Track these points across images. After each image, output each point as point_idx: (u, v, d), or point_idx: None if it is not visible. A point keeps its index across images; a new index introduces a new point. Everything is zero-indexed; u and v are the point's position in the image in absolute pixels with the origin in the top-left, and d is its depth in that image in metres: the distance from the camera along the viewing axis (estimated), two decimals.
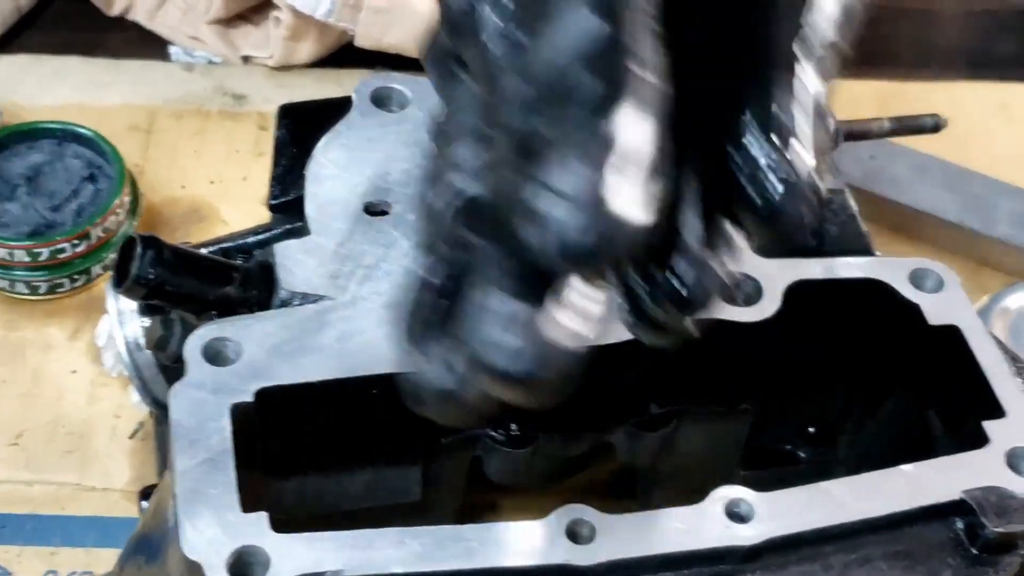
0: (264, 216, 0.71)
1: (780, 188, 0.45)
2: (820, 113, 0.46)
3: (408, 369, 0.46)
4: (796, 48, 0.46)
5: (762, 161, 0.45)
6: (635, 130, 0.41)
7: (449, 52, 0.48)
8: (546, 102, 0.42)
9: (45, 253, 0.86)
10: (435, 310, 0.46)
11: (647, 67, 0.41)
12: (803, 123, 0.45)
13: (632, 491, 0.77)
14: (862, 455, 0.71)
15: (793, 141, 0.45)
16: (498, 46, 0.44)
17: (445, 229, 0.46)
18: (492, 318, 0.43)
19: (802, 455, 0.74)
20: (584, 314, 0.44)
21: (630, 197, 0.41)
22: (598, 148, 0.41)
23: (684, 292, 0.47)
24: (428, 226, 0.48)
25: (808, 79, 0.46)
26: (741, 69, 0.47)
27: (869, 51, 1.05)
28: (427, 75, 0.51)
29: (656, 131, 0.42)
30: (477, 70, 0.46)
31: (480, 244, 0.45)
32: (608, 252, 0.41)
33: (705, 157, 0.47)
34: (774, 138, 0.45)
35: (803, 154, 0.45)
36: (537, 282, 0.43)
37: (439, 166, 0.48)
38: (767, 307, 0.64)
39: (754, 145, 0.45)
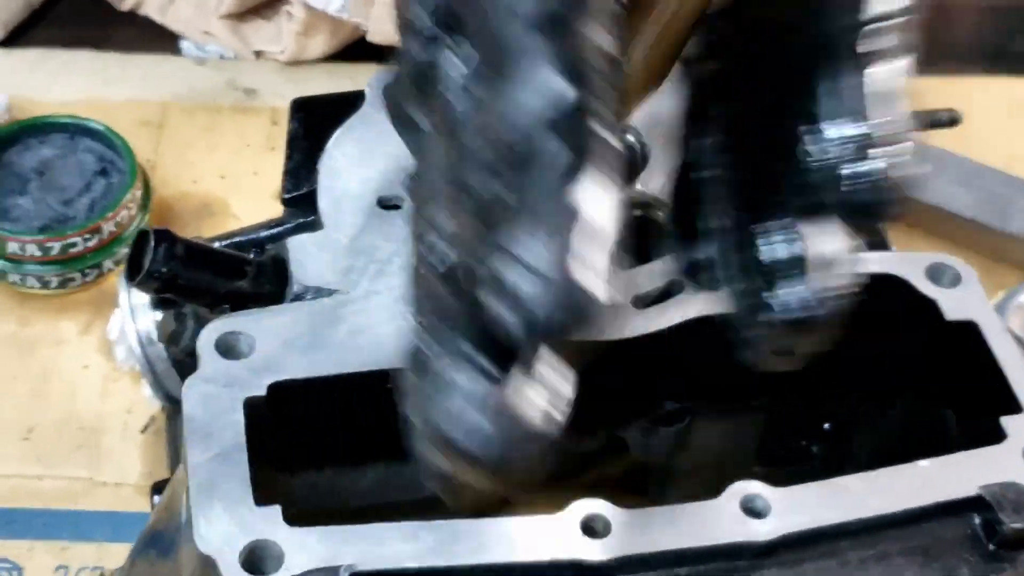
0: (275, 211, 0.71)
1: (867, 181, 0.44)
2: (892, 97, 0.45)
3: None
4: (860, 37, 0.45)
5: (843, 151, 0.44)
6: (600, 201, 0.40)
7: (411, 100, 0.47)
8: (508, 165, 0.40)
9: (57, 247, 0.86)
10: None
11: (610, 130, 0.40)
12: (880, 107, 0.44)
13: (645, 487, 0.76)
14: (877, 452, 0.71)
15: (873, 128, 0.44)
16: (460, 101, 0.42)
17: (428, 293, 0.45)
18: (457, 397, 0.42)
19: (817, 452, 0.73)
20: (554, 391, 0.43)
21: (594, 271, 0.40)
22: (563, 219, 0.39)
23: (796, 315, 0.46)
24: (414, 289, 0.47)
25: (878, 66, 0.45)
26: (809, 68, 0.45)
27: None
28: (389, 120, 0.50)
29: (618, 201, 0.40)
30: (440, 124, 0.44)
31: (454, 312, 0.44)
32: (574, 326, 0.40)
33: (778, 165, 0.46)
34: (853, 128, 0.44)
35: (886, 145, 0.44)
36: (507, 354, 0.42)
37: (419, 226, 0.46)
38: None
39: (834, 139, 0.44)
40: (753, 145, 0.43)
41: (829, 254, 0.48)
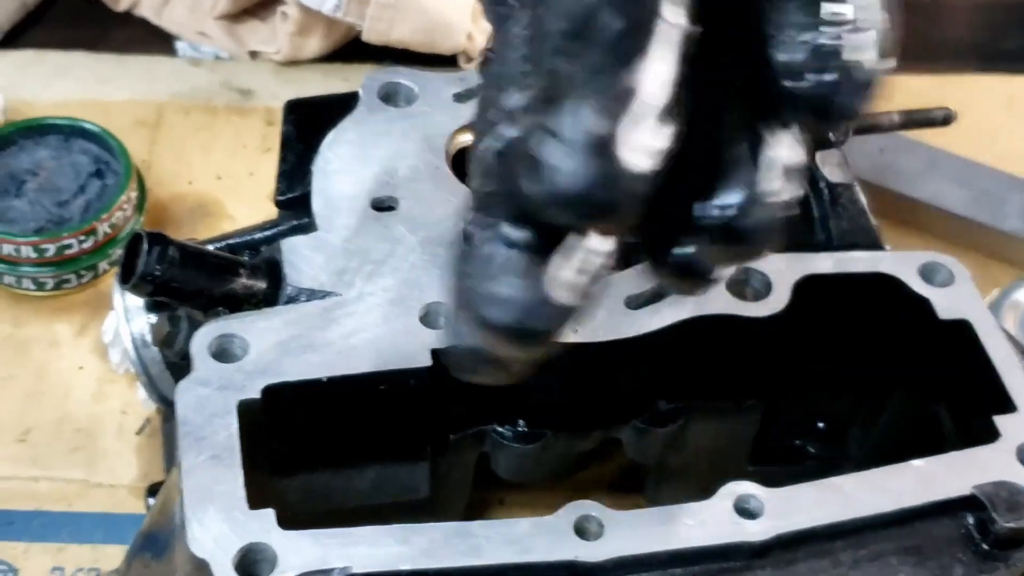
0: (271, 212, 0.71)
1: (832, 74, 0.42)
2: None
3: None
4: None
5: (809, 39, 0.43)
6: (654, 75, 0.40)
7: None
8: (571, 40, 0.40)
9: (52, 249, 0.85)
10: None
11: (674, 4, 0.40)
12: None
13: (640, 487, 0.76)
14: (872, 451, 0.71)
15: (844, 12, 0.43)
16: None
17: (481, 171, 0.45)
18: (492, 269, 0.43)
19: (811, 451, 0.74)
20: (584, 268, 0.42)
21: (638, 145, 0.40)
22: (613, 93, 0.39)
23: (735, 222, 0.45)
24: (471, 167, 0.47)
25: None
26: None
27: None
28: (483, 11, 0.50)
29: (674, 76, 0.40)
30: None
31: (501, 189, 0.44)
32: (606, 201, 0.40)
33: (740, 61, 0.45)
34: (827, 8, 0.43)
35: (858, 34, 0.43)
36: (547, 232, 0.42)
37: (484, 105, 0.46)
38: (776, 302, 0.63)
39: (798, 25, 0.43)
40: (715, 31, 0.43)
41: (784, 160, 0.46)
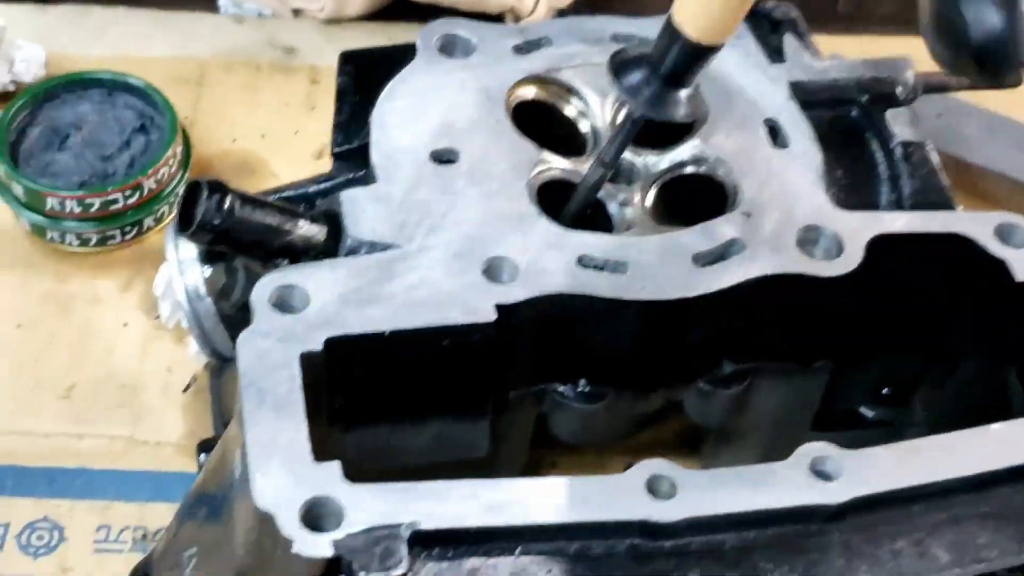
0: (315, 170, 0.70)
1: None
2: None
3: None
4: None
5: None
6: None
7: None
8: None
9: (97, 204, 0.84)
10: None
11: None
12: None
13: (695, 453, 0.75)
14: (937, 417, 0.69)
15: None
16: None
17: None
18: None
19: (872, 416, 0.72)
20: None
21: None
22: None
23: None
24: None
25: None
26: None
27: None
28: None
29: None
30: None
31: None
32: None
33: None
34: None
35: None
36: None
37: None
38: (848, 261, 0.62)
39: None
40: None
41: None
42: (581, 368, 0.63)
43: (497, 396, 0.63)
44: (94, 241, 0.86)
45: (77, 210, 0.84)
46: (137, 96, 0.89)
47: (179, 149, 0.87)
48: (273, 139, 0.94)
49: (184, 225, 0.59)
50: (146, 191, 0.85)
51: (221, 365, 0.73)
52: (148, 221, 0.86)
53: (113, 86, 0.89)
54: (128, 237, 0.86)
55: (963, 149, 0.90)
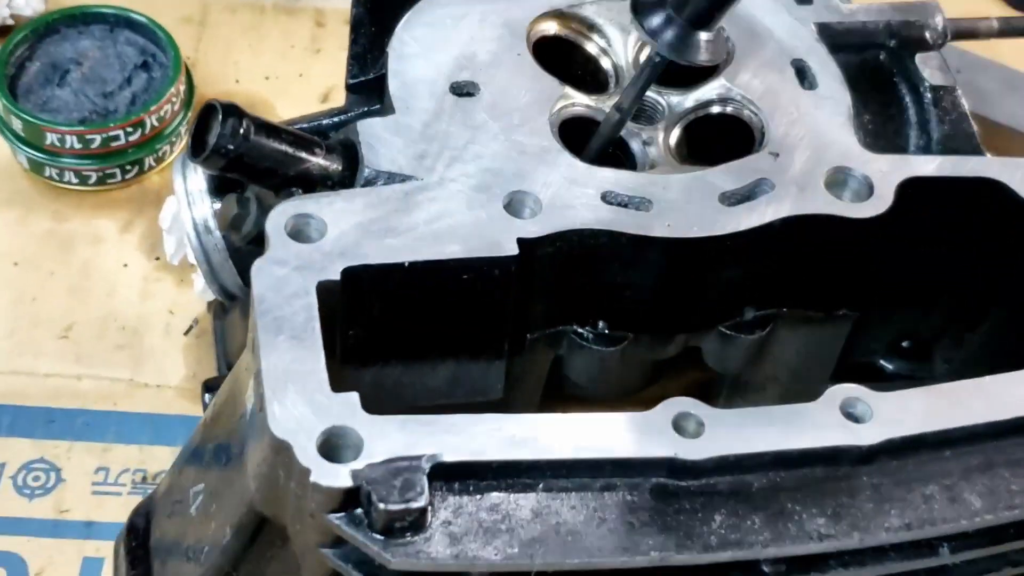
0: None
1: None
2: None
3: None
4: None
5: None
6: None
7: None
8: None
9: (98, 140, 0.82)
10: None
11: None
12: None
13: (711, 401, 0.73)
14: (959, 370, 0.68)
15: None
16: None
17: None
18: None
19: (892, 370, 0.71)
20: None
21: None
22: None
23: None
24: None
25: None
26: None
27: None
28: None
29: None
30: None
31: None
32: None
33: None
34: None
35: None
36: None
37: None
38: (878, 204, 0.60)
39: None
40: None
41: None
42: (601, 310, 0.62)
43: (515, 336, 0.61)
44: (93, 179, 0.84)
45: (77, 146, 0.82)
46: (140, 32, 0.87)
47: (182, 88, 0.85)
48: (277, 81, 0.93)
49: (197, 150, 0.57)
50: (148, 128, 0.83)
51: (227, 304, 0.71)
52: (149, 160, 0.84)
53: (115, 21, 0.87)
54: (128, 176, 0.84)
55: (981, 104, 0.88)
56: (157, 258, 0.81)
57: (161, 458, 0.73)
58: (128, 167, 0.84)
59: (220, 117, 0.56)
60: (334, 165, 0.59)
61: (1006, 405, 0.54)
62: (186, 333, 0.79)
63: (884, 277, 0.63)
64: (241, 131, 0.57)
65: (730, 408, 0.70)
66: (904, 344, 0.70)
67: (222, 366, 0.73)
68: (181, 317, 0.80)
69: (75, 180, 0.84)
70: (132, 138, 0.83)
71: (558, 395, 0.68)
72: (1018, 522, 0.53)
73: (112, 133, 0.82)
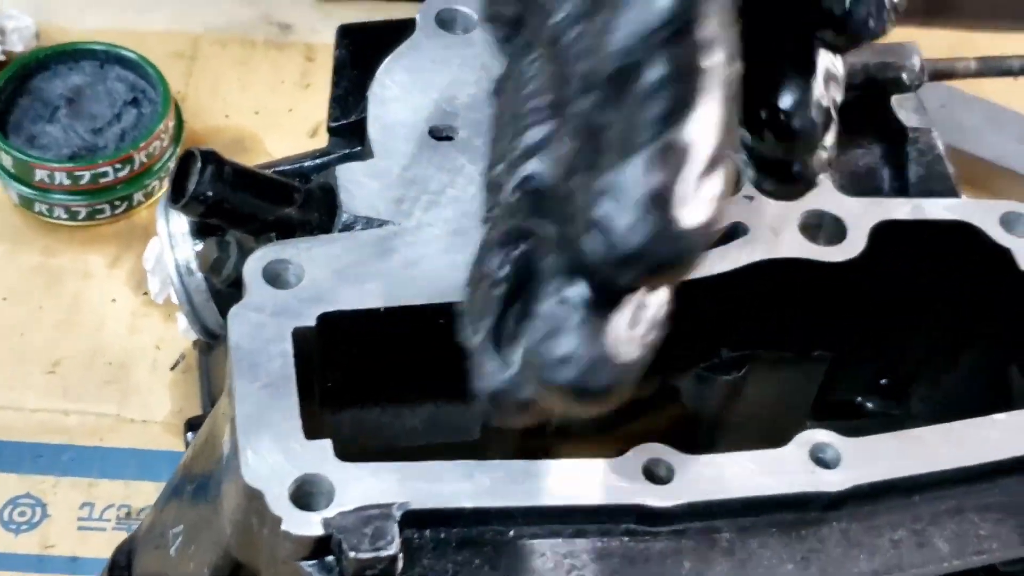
0: (310, 148, 0.69)
1: None
2: None
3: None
4: None
5: None
6: (706, 123, 0.37)
7: (512, 12, 0.45)
8: (612, 85, 0.38)
9: (87, 177, 0.83)
10: (491, 307, 0.43)
11: (720, 48, 0.37)
12: None
13: (692, 441, 0.74)
14: (935, 409, 0.69)
15: None
16: (566, 17, 0.40)
17: (508, 212, 0.43)
18: (548, 319, 0.40)
19: (871, 407, 0.71)
20: (647, 321, 0.40)
21: (698, 197, 0.37)
22: (663, 145, 0.37)
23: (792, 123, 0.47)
24: (490, 200, 0.45)
25: None
26: None
27: (934, 2, 1.01)
28: (487, 33, 0.48)
29: (725, 117, 0.38)
30: (543, 37, 0.42)
31: (543, 236, 0.42)
32: (670, 257, 0.37)
33: None
34: None
35: None
36: (598, 290, 0.40)
37: (504, 136, 0.44)
38: (851, 247, 0.61)
39: None
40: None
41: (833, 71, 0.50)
42: None
43: None
44: (83, 215, 0.85)
45: (66, 182, 0.83)
46: (129, 69, 0.88)
47: (171, 123, 0.86)
48: (267, 116, 0.93)
49: (176, 196, 0.58)
50: (137, 165, 0.84)
51: (210, 343, 0.72)
52: (138, 196, 0.85)
53: (105, 58, 0.88)
54: (117, 212, 0.85)
55: (964, 140, 0.89)
56: (145, 293, 0.82)
57: (146, 493, 0.74)
58: (117, 203, 0.85)
59: (199, 164, 0.57)
60: (313, 210, 0.60)
61: (974, 451, 0.54)
62: (172, 368, 0.80)
63: (859, 318, 0.64)
64: (220, 178, 0.57)
65: (712, 445, 0.72)
66: (883, 382, 0.70)
67: (207, 403, 0.74)
68: (168, 352, 0.80)
69: (64, 216, 0.85)
70: (121, 174, 0.84)
71: (538, 432, 0.68)
72: (986, 567, 0.53)
73: (101, 170, 0.83)
